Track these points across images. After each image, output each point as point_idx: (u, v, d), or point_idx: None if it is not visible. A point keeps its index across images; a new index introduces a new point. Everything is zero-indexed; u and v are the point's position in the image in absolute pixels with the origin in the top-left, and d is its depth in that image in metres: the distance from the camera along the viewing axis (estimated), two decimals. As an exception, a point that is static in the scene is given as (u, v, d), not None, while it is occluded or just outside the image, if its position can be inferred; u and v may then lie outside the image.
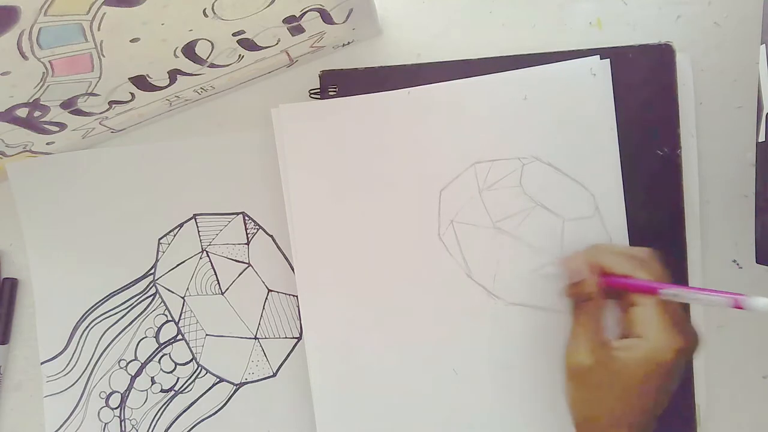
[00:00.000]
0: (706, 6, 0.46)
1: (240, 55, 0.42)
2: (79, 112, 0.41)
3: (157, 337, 0.48)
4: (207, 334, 0.48)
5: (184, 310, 0.48)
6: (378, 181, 0.45)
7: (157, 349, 0.48)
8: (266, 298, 0.47)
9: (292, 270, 0.46)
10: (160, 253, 0.48)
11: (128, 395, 0.48)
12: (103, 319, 0.48)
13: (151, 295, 0.48)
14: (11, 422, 0.49)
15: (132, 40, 0.35)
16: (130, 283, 0.48)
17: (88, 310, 0.48)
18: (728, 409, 0.44)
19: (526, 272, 0.44)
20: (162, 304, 0.48)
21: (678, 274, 0.44)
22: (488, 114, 0.45)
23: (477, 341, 0.45)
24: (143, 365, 0.48)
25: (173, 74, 0.41)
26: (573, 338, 0.39)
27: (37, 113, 0.39)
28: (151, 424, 0.48)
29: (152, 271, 0.48)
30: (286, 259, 0.47)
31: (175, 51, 0.38)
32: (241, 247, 0.48)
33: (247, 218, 0.48)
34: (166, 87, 0.42)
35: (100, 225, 0.48)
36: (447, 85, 0.45)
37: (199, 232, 0.48)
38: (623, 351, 0.36)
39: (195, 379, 0.48)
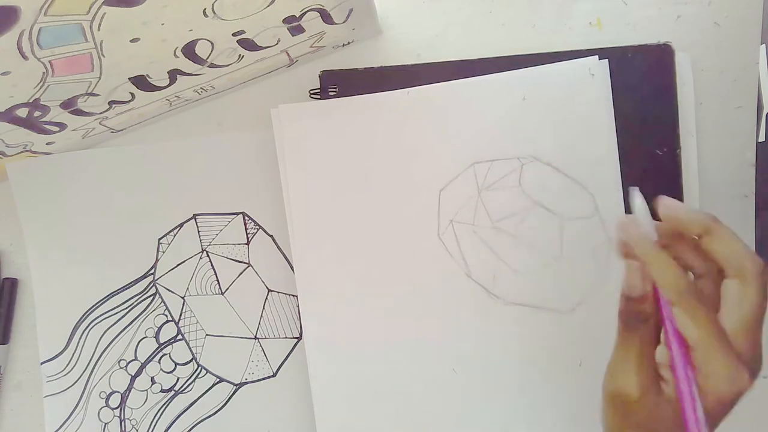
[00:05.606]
0: (706, 6, 0.46)
1: (240, 55, 0.42)
2: (79, 112, 0.41)
3: (157, 337, 0.48)
4: (207, 334, 0.48)
5: (184, 310, 0.48)
6: (377, 181, 0.45)
7: (157, 349, 0.48)
8: (266, 298, 0.47)
9: (292, 270, 0.46)
10: (160, 253, 0.48)
11: (128, 395, 0.48)
12: (103, 319, 0.48)
13: (151, 295, 0.48)
14: (11, 422, 0.49)
15: (132, 40, 0.35)
16: (130, 283, 0.48)
17: (88, 310, 0.48)
18: (728, 409, 0.44)
19: (526, 272, 0.44)
20: (162, 304, 0.48)
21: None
22: (487, 114, 0.45)
23: (477, 341, 0.45)
24: (143, 365, 0.48)
25: (173, 74, 0.41)
26: (620, 362, 0.32)
27: (37, 113, 0.39)
28: (151, 424, 0.48)
29: (152, 271, 0.48)
30: (286, 259, 0.47)
31: (175, 51, 0.38)
32: (241, 247, 0.48)
33: (247, 218, 0.48)
34: (166, 87, 0.42)
35: (100, 225, 0.48)
36: (447, 85, 0.45)
37: (199, 232, 0.48)
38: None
39: (195, 379, 0.48)
